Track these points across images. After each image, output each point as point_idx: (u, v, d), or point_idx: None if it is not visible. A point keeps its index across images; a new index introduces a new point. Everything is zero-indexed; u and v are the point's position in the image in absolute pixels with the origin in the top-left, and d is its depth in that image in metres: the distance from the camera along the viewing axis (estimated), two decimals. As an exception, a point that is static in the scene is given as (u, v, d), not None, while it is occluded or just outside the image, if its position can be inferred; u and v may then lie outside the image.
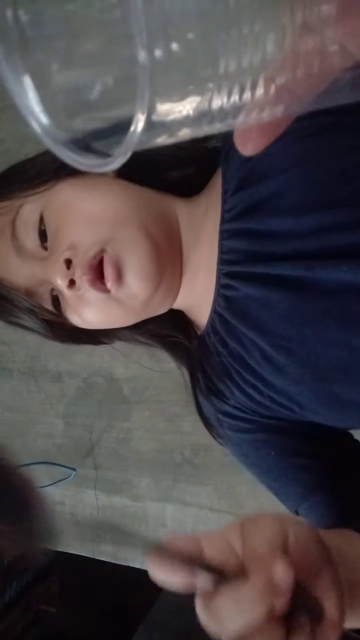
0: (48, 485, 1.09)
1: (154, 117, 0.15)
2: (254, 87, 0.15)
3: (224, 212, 0.51)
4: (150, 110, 0.15)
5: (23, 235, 0.52)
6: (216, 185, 0.53)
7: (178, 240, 0.54)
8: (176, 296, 0.56)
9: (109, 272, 0.48)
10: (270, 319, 0.48)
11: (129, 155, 0.16)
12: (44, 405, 1.13)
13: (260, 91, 0.16)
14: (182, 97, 0.15)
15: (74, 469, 1.08)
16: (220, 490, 0.96)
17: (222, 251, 0.50)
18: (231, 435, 0.56)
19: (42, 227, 0.51)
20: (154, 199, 0.54)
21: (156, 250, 0.50)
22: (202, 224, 0.54)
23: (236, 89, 0.15)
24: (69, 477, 1.08)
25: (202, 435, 0.98)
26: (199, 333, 0.57)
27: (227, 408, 0.55)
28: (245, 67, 0.15)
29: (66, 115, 0.18)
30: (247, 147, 0.19)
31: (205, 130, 0.17)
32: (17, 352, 1.16)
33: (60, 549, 1.11)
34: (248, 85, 0.15)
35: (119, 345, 1.02)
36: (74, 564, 1.34)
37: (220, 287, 0.51)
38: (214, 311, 0.53)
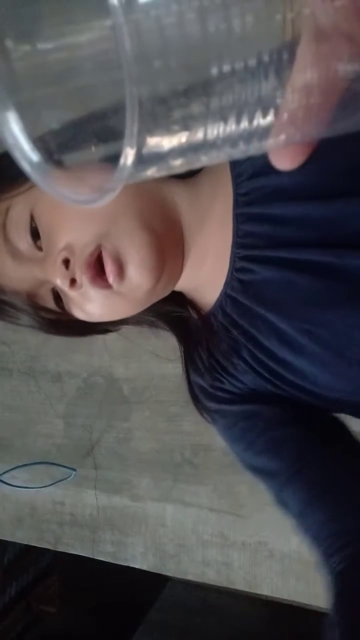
0: (48, 485, 1.09)
1: (144, 151, 0.15)
2: (251, 117, 0.15)
3: (237, 195, 0.50)
4: (140, 145, 0.15)
5: (16, 237, 0.51)
6: (221, 167, 0.53)
7: (178, 224, 0.53)
8: (178, 280, 0.55)
9: (109, 268, 0.47)
10: (291, 302, 0.48)
11: (119, 190, 0.16)
12: (44, 405, 1.13)
13: (260, 120, 0.16)
14: (173, 131, 0.15)
15: (74, 469, 1.08)
16: (220, 490, 0.96)
17: (237, 235, 0.50)
18: (222, 408, 0.56)
19: (34, 226, 0.50)
20: (146, 184, 0.51)
21: (155, 239, 0.49)
22: (209, 207, 0.53)
23: (231, 121, 0.15)
24: (69, 477, 1.08)
25: (202, 435, 0.98)
26: (202, 313, 0.57)
27: (225, 385, 0.56)
28: (241, 99, 0.15)
29: (56, 148, 0.18)
30: (285, 162, 0.19)
31: (203, 160, 0.17)
32: (17, 352, 1.16)
33: (60, 549, 1.11)
34: (245, 116, 0.15)
35: (118, 345, 1.02)
36: (74, 564, 1.34)
37: (234, 270, 0.51)
38: (225, 294, 0.53)
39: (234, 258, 0.51)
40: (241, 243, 0.50)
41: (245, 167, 0.50)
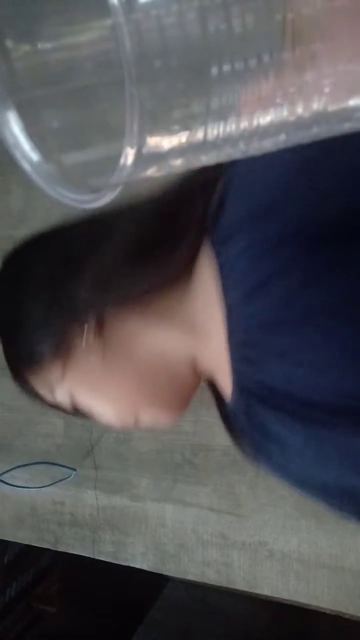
0: (48, 485, 1.09)
1: (144, 150, 0.15)
2: (250, 118, 0.15)
3: (230, 339, 0.49)
4: (140, 144, 0.15)
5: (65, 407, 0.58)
6: (211, 301, 0.50)
7: (187, 367, 0.55)
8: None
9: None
10: (289, 448, 0.47)
11: (118, 189, 0.16)
12: (44, 405, 1.13)
13: (260, 120, 0.15)
14: (173, 130, 0.15)
15: (74, 469, 1.08)
16: (220, 490, 0.96)
17: (233, 371, 0.50)
18: None
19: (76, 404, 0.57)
20: (147, 354, 0.54)
21: (176, 410, 0.57)
22: (204, 339, 0.53)
23: (231, 120, 0.15)
24: (69, 477, 1.08)
25: (202, 436, 0.98)
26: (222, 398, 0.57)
27: None
28: (240, 100, 0.15)
29: (57, 150, 0.18)
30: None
31: (203, 160, 0.17)
32: (17, 352, 1.16)
33: (60, 549, 1.11)
34: (245, 116, 0.15)
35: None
36: (74, 564, 1.35)
37: (237, 391, 0.50)
38: (234, 407, 0.52)
39: (234, 383, 0.50)
40: (237, 381, 0.49)
41: (237, 326, 0.48)
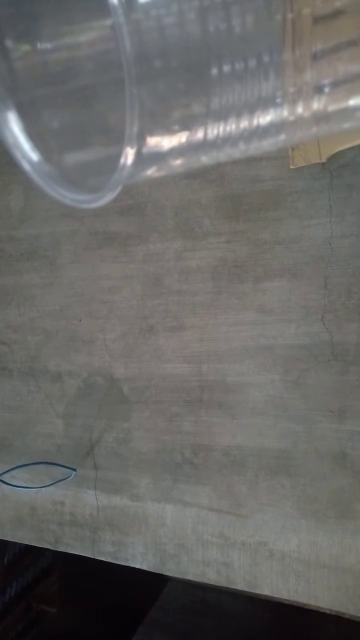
0: (48, 485, 1.09)
1: (144, 150, 0.15)
2: (251, 117, 0.15)
3: None
4: (140, 144, 0.15)
5: None
6: None
7: None
8: None
9: None
10: None
11: (118, 189, 0.16)
12: (44, 405, 1.13)
13: (260, 120, 0.15)
14: (173, 130, 0.15)
15: (74, 469, 1.08)
16: (220, 490, 0.96)
17: None
18: None
19: None
20: None
21: None
22: None
23: (231, 120, 0.15)
24: (69, 477, 1.08)
25: (202, 436, 0.99)
26: None
27: None
28: (241, 99, 0.15)
29: (57, 150, 0.18)
30: None
31: (203, 160, 0.17)
32: (17, 352, 1.16)
33: (60, 549, 1.11)
34: (245, 116, 0.15)
35: (118, 345, 1.02)
36: (74, 564, 1.34)
37: None
38: None
39: None
40: None
41: None
